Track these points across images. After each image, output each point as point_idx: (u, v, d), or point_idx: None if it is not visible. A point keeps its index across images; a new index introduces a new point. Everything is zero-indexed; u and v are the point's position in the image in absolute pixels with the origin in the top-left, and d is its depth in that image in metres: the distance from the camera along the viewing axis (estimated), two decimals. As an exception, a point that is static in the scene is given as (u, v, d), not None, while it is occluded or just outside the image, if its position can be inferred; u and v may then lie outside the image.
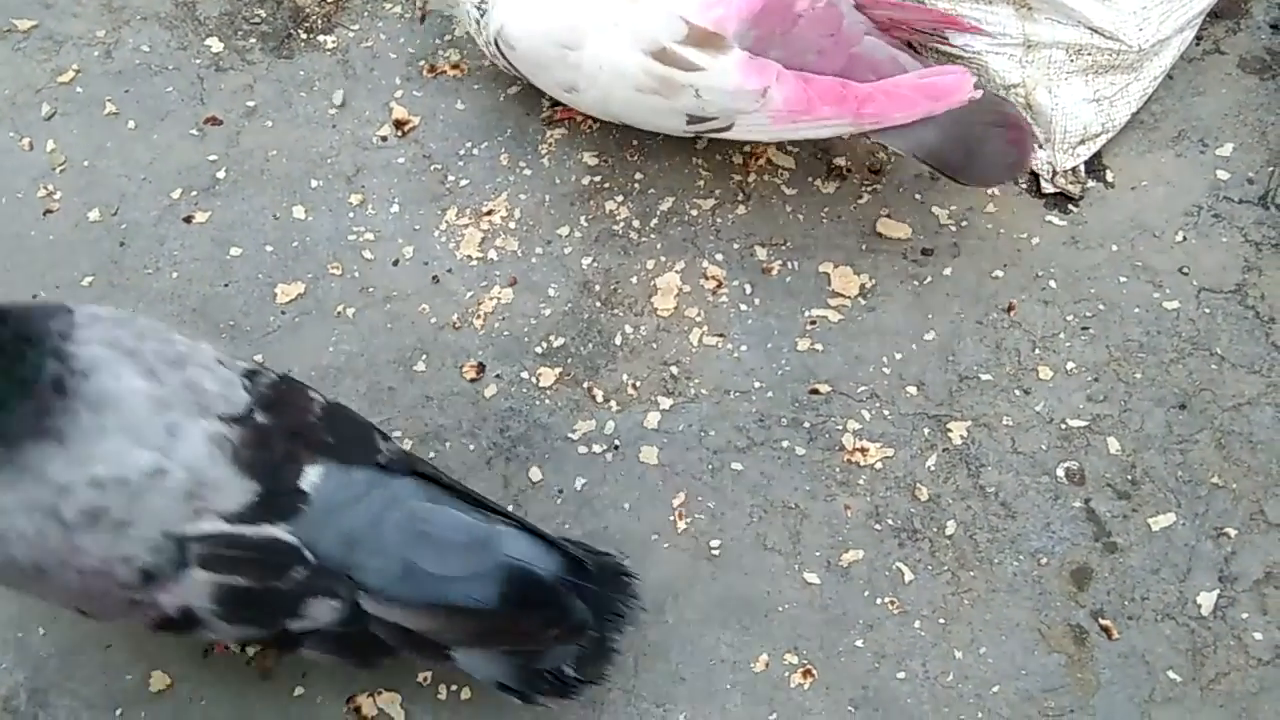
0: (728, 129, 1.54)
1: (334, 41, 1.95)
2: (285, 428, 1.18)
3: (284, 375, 1.29)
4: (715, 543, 1.46)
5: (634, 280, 1.68)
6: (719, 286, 1.66)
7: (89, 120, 1.86)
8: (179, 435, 1.09)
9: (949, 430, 1.53)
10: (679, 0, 1.45)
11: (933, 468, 1.50)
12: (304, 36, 1.96)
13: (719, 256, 1.69)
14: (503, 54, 1.65)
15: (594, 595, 1.22)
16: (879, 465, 1.51)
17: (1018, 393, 1.56)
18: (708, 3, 1.44)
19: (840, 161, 1.77)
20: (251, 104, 1.87)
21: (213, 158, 1.81)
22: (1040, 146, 1.67)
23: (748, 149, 1.79)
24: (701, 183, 1.76)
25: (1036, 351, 1.59)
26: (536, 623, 1.18)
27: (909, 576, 1.43)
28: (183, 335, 1.20)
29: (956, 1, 1.72)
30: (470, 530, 1.19)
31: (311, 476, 1.16)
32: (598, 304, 1.66)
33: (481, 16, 1.65)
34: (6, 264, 1.70)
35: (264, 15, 1.99)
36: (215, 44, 1.95)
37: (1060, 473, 1.49)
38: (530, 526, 1.24)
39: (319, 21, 1.98)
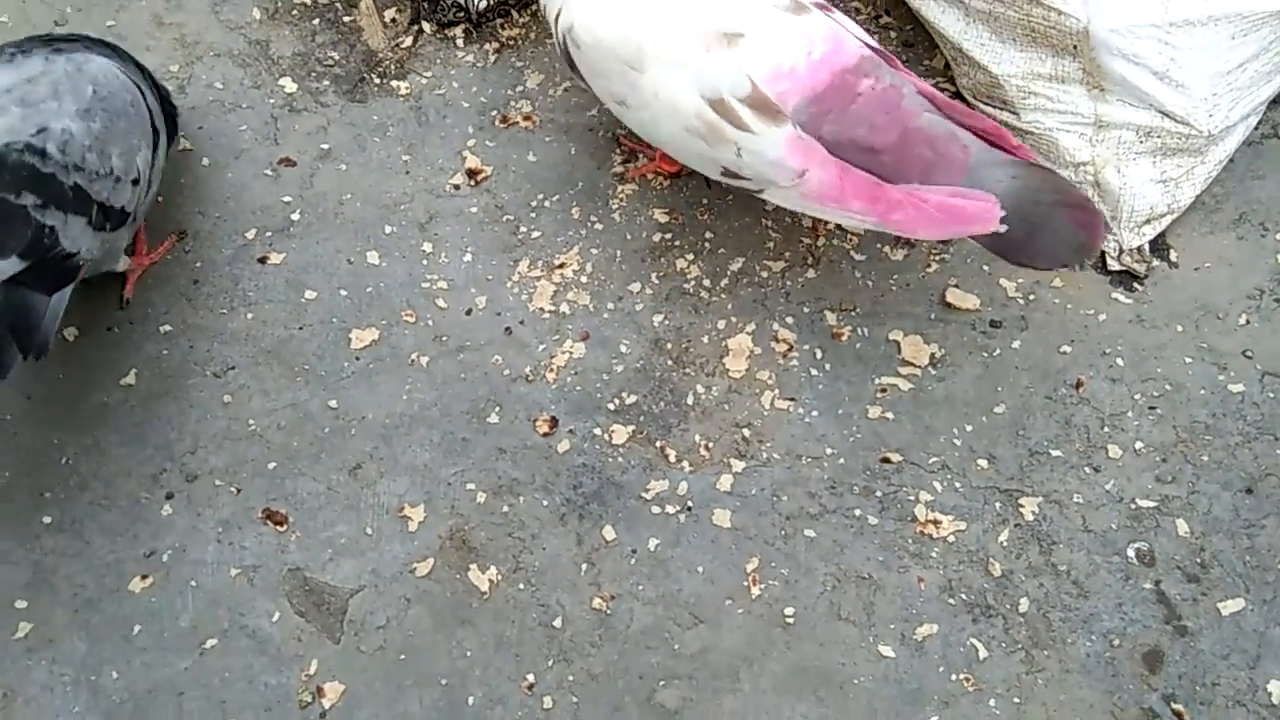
0: (758, 191, 1.55)
1: (407, 88, 1.97)
2: None
3: None
4: (789, 610, 1.47)
5: (705, 340, 1.70)
6: (790, 350, 1.68)
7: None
8: None
9: (1021, 506, 1.54)
10: (752, 60, 1.45)
11: (1005, 543, 1.51)
12: (377, 81, 1.98)
13: (789, 319, 1.71)
14: (568, 51, 1.62)
15: None
16: (951, 538, 1.52)
17: (1088, 470, 1.57)
18: (777, 74, 1.44)
19: (909, 230, 1.80)
20: (325, 146, 1.89)
21: (287, 199, 1.83)
22: (1109, 230, 1.67)
23: (817, 213, 1.81)
24: (771, 244, 1.78)
25: (1105, 429, 1.61)
26: None
27: (983, 653, 1.44)
28: None
29: (1030, 79, 1.74)
30: None
31: None
32: (669, 362, 1.68)
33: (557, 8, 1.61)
34: (81, 296, 1.70)
35: (337, 58, 2.01)
36: (289, 84, 1.97)
37: (1131, 553, 1.51)
38: None
39: (392, 67, 2.00)
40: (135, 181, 1.53)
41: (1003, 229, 1.37)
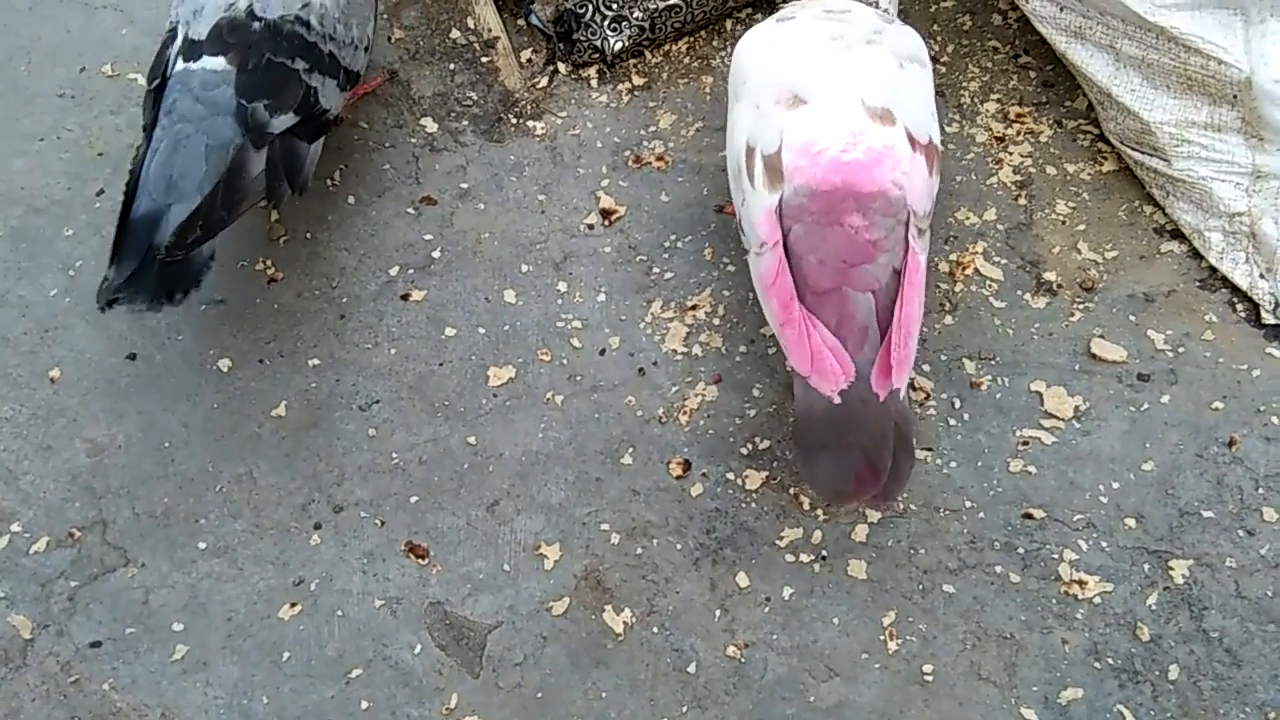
0: (747, 254, 1.53)
1: (543, 128, 2.01)
2: None
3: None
4: (928, 668, 1.45)
5: (839, 386, 1.68)
6: (926, 398, 1.66)
7: (310, 193, 1.93)
8: None
9: (1170, 568, 1.49)
10: (795, 127, 1.45)
11: (1154, 607, 1.47)
12: (514, 121, 2.03)
13: (926, 367, 1.69)
14: None
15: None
16: (1097, 600, 1.48)
17: (1241, 533, 1.52)
18: (805, 150, 1.43)
19: (1050, 276, 1.76)
20: (465, 186, 1.94)
21: (428, 237, 1.88)
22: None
23: (954, 256, 1.79)
24: (906, 290, 1.76)
25: (1260, 491, 1.55)
26: None
27: (1131, 721, 1.39)
28: None
29: (1184, 126, 1.70)
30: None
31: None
32: (802, 408, 1.67)
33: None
34: (234, 329, 1.78)
35: (475, 98, 2.06)
36: (430, 124, 2.02)
37: (1288, 622, 1.45)
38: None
39: (528, 107, 2.05)
40: (366, 49, 1.82)
41: (837, 401, 1.35)
